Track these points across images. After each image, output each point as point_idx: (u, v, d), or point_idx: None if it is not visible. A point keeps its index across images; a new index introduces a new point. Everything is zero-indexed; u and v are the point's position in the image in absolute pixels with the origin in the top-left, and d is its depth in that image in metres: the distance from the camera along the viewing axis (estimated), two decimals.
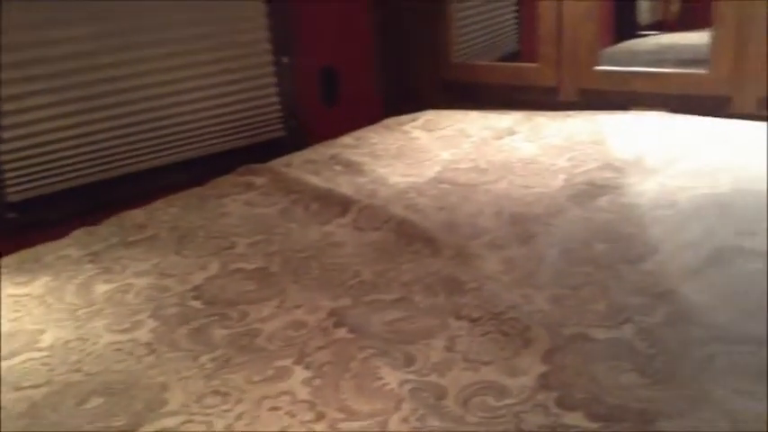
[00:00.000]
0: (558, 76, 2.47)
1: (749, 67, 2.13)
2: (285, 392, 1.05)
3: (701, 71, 2.24)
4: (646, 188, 1.66)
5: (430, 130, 2.34)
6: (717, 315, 1.14)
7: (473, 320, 1.20)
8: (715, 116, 2.08)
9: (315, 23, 2.57)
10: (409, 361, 1.11)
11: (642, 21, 3.42)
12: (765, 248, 1.31)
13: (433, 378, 1.06)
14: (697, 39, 2.34)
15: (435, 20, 2.67)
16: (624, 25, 3.40)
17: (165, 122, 2.39)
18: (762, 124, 1.96)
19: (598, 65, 2.44)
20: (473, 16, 2.85)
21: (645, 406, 0.96)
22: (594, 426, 0.93)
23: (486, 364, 1.09)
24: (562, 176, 1.83)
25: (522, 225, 1.56)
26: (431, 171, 2.00)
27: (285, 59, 2.51)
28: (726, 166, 1.71)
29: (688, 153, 1.82)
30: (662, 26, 3.35)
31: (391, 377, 1.05)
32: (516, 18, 2.98)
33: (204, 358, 1.18)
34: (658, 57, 2.76)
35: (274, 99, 2.54)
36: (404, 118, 2.46)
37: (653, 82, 2.34)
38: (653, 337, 1.10)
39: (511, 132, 2.22)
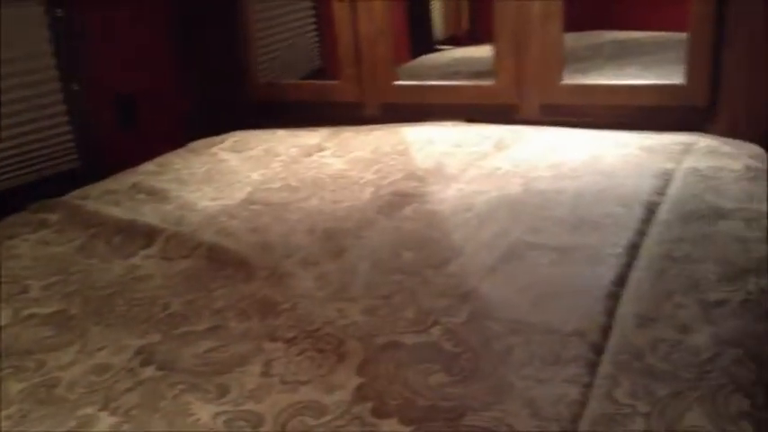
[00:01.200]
0: (360, 92, 2.54)
1: (529, 77, 2.33)
2: None
3: (489, 82, 2.41)
4: (446, 195, 1.75)
5: (238, 152, 2.30)
6: (513, 309, 1.22)
7: (288, 341, 1.19)
8: (504, 123, 2.25)
9: (109, 48, 2.44)
10: (223, 392, 1.08)
11: (437, 36, 3.63)
12: (551, 242, 1.43)
13: (250, 406, 1.04)
14: (485, 52, 2.51)
15: (237, 41, 2.64)
16: (420, 40, 3.59)
17: None
18: (544, 129, 2.14)
19: (397, 80, 2.54)
20: (275, 35, 2.86)
21: (454, 403, 1.00)
22: (408, 429, 0.96)
23: (303, 383, 1.08)
24: (370, 189, 1.88)
25: (334, 240, 1.58)
26: (241, 193, 1.97)
27: (75, 87, 2.35)
28: (514, 170, 1.85)
29: (481, 159, 1.95)
30: (455, 41, 3.57)
31: (203, 411, 1.02)
32: (317, 36, 3.03)
33: None
34: (453, 70, 2.94)
35: (65, 128, 2.37)
36: (210, 141, 2.41)
37: (447, 94, 2.48)
38: (457, 337, 1.16)
39: (319, 149, 2.25)
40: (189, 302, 1.39)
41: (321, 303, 1.30)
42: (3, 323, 1.37)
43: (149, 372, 1.14)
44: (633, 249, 1.39)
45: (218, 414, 1.02)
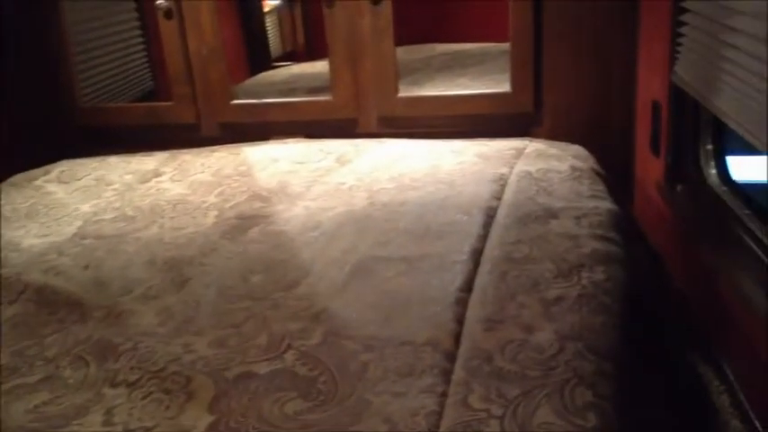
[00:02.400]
0: (196, 113, 2.46)
1: (365, 91, 2.36)
2: None
3: (326, 98, 2.41)
4: (292, 214, 1.72)
5: (65, 182, 2.14)
6: (366, 325, 1.22)
7: (131, 385, 1.11)
8: (344, 138, 2.26)
9: None
10: None
11: (274, 52, 3.59)
12: (398, 254, 1.45)
13: None
14: (322, 67, 2.51)
15: (56, 64, 2.46)
16: (257, 57, 3.54)
17: None
18: (383, 141, 2.17)
19: (234, 98, 2.49)
20: (98, 57, 2.69)
21: (311, 430, 0.98)
22: None
23: (150, 429, 1.01)
24: (213, 213, 1.81)
25: (176, 270, 1.50)
26: (71, 227, 1.83)
27: None
28: (358, 184, 1.85)
29: (324, 175, 1.94)
30: (292, 57, 3.55)
31: None
32: (146, 56, 2.89)
33: None
34: (290, 86, 2.91)
35: None
36: (34, 172, 2.22)
37: (286, 111, 2.45)
38: (313, 360, 1.13)
39: (156, 174, 2.14)
40: (18, 352, 1.27)
41: (165, 340, 1.23)
42: None
43: None
44: (477, 255, 1.43)
45: None
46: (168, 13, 2.34)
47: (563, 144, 2.09)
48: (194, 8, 2.36)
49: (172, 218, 1.82)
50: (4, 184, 2.16)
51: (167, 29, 2.38)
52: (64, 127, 2.50)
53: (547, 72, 2.29)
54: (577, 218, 1.59)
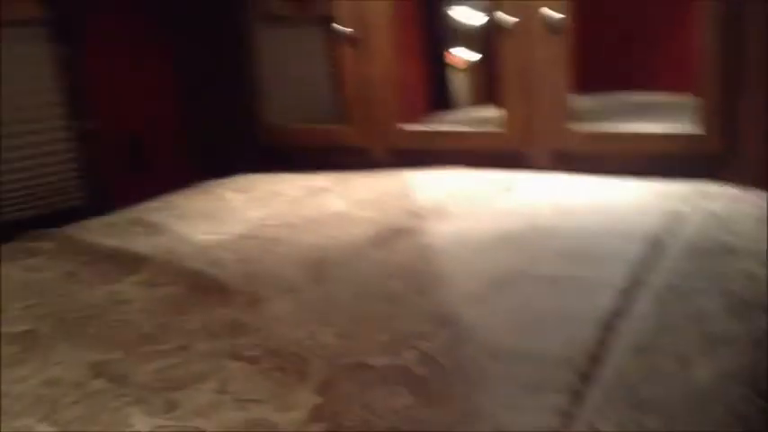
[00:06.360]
0: (367, 137, 2.51)
1: (537, 123, 2.27)
2: None
3: (497, 129, 2.35)
4: (443, 230, 1.68)
5: (243, 192, 2.28)
6: (495, 335, 1.13)
7: (251, 360, 1.12)
8: (512, 170, 2.18)
9: (118, 88, 2.47)
10: (171, 407, 1.00)
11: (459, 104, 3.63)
12: (546, 273, 1.34)
13: (196, 422, 0.96)
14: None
15: (248, 83, 2.66)
16: (440, 102, 3.59)
17: None
18: (552, 174, 2.07)
19: (404, 124, 2.50)
20: (288, 79, 2.85)
21: (415, 427, 0.91)
22: None
23: (257, 402, 1.00)
24: (367, 226, 1.81)
25: (320, 269, 1.51)
26: (238, 228, 1.93)
27: (82, 125, 2.37)
28: (517, 209, 1.77)
29: (484, 199, 1.88)
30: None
31: (142, 424, 0.94)
32: (332, 81, 3.01)
33: None
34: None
35: (71, 166, 2.38)
36: (217, 183, 2.39)
37: (456, 140, 2.42)
38: (432, 361, 1.06)
39: (324, 190, 2.21)
40: (161, 325, 1.33)
41: (292, 326, 1.23)
42: None
43: (98, 385, 1.07)
44: (636, 282, 1.29)
45: (159, 427, 0.94)
46: (351, 40, 2.44)
47: (755, 190, 1.87)
48: (377, 38, 2.44)
49: (329, 227, 1.85)
50: (190, 190, 2.35)
51: (349, 55, 2.47)
52: (250, 143, 2.67)
53: (741, 117, 2.06)
54: (762, 261, 1.39)
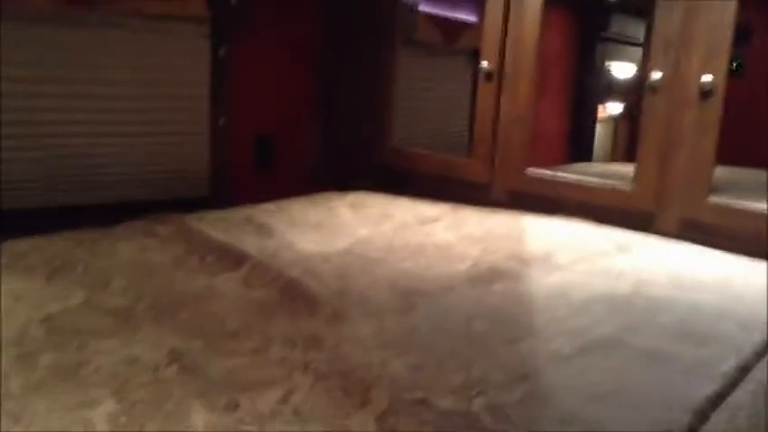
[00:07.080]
0: (490, 174, 2.47)
1: (671, 188, 2.13)
2: (82, 423, 0.94)
3: (626, 186, 2.23)
4: (545, 280, 1.60)
5: (355, 209, 2.30)
6: (573, 400, 1.05)
7: (319, 376, 1.10)
8: (636, 231, 2.06)
9: (255, 89, 2.57)
10: (232, 407, 1.00)
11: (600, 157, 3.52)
12: (646, 346, 1.24)
13: (251, 427, 0.96)
14: None
15: (380, 103, 2.69)
16: (579, 152, 3.51)
17: (85, 162, 2.33)
18: (676, 242, 1.94)
19: (529, 167, 2.44)
20: (421, 104, 2.86)
21: None
22: None
23: (314, 419, 0.98)
24: (468, 263, 1.77)
25: (409, 297, 1.48)
26: (342, 243, 1.94)
27: (222, 121, 2.49)
28: (628, 272, 1.67)
29: (596, 256, 1.79)
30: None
31: (200, 420, 0.95)
32: (466, 114, 2.99)
33: (16, 381, 1.06)
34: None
35: (205, 158, 2.50)
36: (332, 195, 2.43)
37: (580, 191, 2.32)
38: (500, 414, 1.01)
39: (434, 220, 2.19)
40: (245, 324, 1.34)
41: (367, 350, 1.20)
42: (70, 305, 1.39)
43: (170, 372, 1.09)
44: (741, 371, 1.17)
45: (214, 425, 0.94)
46: (489, 76, 2.41)
47: None
48: (515, 76, 2.40)
49: (429, 258, 1.82)
50: (305, 198, 2.40)
51: (485, 90, 2.44)
52: (371, 161, 2.69)
53: None
54: None
